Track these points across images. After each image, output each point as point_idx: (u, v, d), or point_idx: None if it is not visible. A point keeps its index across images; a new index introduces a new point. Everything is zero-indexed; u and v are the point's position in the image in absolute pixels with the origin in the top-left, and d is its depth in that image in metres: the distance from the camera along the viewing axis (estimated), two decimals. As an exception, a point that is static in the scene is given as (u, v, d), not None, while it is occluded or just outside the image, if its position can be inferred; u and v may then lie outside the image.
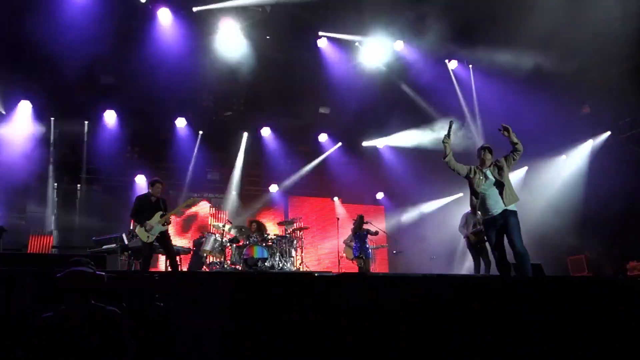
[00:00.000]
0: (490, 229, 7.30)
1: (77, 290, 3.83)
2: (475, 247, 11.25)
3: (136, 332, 4.48)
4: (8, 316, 4.59)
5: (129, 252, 11.28)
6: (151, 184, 9.96)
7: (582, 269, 13.79)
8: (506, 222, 7.14)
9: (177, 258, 12.13)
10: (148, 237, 9.49)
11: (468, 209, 11.58)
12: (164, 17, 12.93)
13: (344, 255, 13.40)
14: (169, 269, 10.17)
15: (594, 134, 14.90)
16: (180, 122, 15.40)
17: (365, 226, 12.50)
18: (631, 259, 12.96)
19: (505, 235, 7.21)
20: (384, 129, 16.95)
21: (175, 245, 12.61)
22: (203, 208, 16.08)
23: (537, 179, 15.42)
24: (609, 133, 14.74)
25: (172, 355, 4.73)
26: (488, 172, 7.39)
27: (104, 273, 3.99)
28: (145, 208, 9.68)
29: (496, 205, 7.23)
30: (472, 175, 7.45)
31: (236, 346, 4.85)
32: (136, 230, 9.72)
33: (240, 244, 12.12)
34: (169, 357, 4.73)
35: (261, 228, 12.47)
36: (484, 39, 13.67)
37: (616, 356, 5.54)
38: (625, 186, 13.30)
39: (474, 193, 7.47)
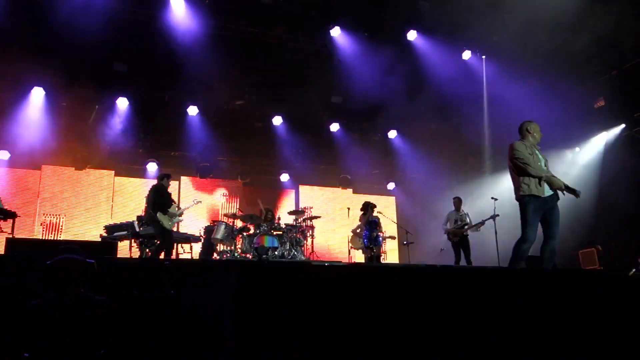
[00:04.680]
0: (537, 212, 6.74)
1: (65, 278, 3.80)
2: (456, 243, 11.81)
3: (146, 319, 4.52)
4: (18, 302, 4.62)
5: (140, 239, 11.37)
6: (166, 177, 10.60)
7: (593, 262, 13.72)
8: (554, 209, 6.82)
9: (188, 246, 12.31)
10: (169, 224, 10.08)
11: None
12: (177, 4, 12.91)
13: (351, 245, 13.44)
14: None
15: (608, 126, 14.74)
16: (192, 110, 15.38)
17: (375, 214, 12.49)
18: (645, 253, 12.88)
19: (545, 223, 6.83)
20: (397, 119, 16.89)
21: (185, 233, 12.75)
22: (214, 196, 16.12)
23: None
24: (623, 125, 14.59)
25: (182, 342, 4.75)
26: (537, 152, 7.02)
27: (94, 261, 3.97)
28: (166, 197, 10.31)
29: (548, 188, 6.81)
30: (531, 153, 6.90)
31: (245, 334, 4.87)
32: (158, 217, 9.99)
33: (251, 232, 12.15)
34: (179, 344, 4.75)
35: (272, 217, 12.49)
36: (497, 29, 13.55)
37: (624, 349, 5.52)
38: (639, 179, 13.19)
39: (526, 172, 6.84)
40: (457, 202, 12.21)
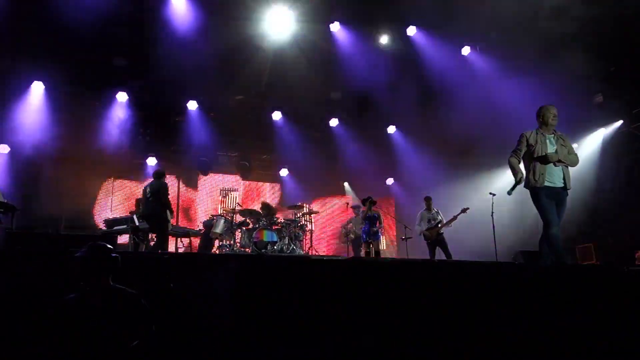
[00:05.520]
0: (550, 200, 6.73)
1: (96, 271, 3.89)
2: (432, 243, 11.84)
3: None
4: (21, 296, 4.66)
5: (138, 233, 11.37)
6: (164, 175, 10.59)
7: (590, 257, 13.76)
8: (561, 203, 6.81)
9: (187, 240, 12.34)
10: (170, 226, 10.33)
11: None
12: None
13: (340, 240, 13.54)
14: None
15: (605, 122, 14.77)
16: (192, 105, 15.41)
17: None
18: (640, 248, 12.91)
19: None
20: (396, 114, 16.90)
21: (184, 227, 12.79)
22: (214, 190, 16.16)
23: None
24: (621, 122, 14.62)
25: (182, 335, 4.80)
26: (552, 139, 6.96)
27: (117, 255, 4.06)
28: None
29: (559, 179, 6.82)
30: (533, 143, 6.88)
31: (245, 328, 4.91)
32: (168, 217, 10.22)
33: (250, 227, 12.18)
34: (179, 337, 4.80)
35: (272, 211, 12.52)
36: (495, 25, 13.58)
37: (620, 344, 5.57)
38: (636, 175, 13.23)
39: (530, 159, 6.90)
40: (428, 201, 12.28)
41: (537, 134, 6.99)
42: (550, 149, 6.90)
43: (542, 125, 7.07)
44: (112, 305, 3.86)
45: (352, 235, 12.99)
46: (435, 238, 11.81)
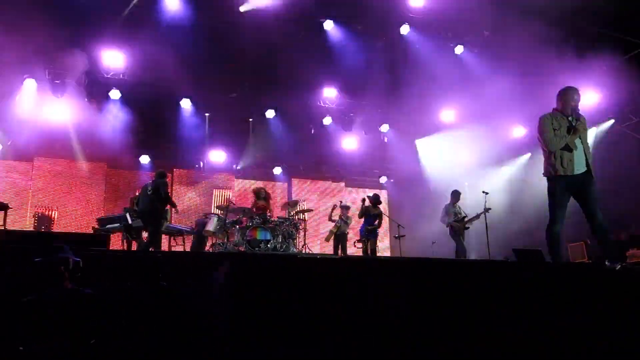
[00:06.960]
0: (565, 192, 6.29)
1: (55, 275, 3.95)
2: (459, 234, 11.79)
3: (139, 311, 4.55)
4: (13, 294, 4.64)
5: (131, 232, 11.36)
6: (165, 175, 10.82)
7: (582, 255, 13.82)
8: (590, 185, 6.28)
9: (181, 238, 12.33)
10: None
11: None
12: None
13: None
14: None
15: (598, 121, 14.81)
16: (185, 103, 15.34)
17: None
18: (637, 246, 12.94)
19: (582, 203, 6.37)
20: (389, 112, 16.92)
21: (178, 226, 12.78)
22: (206, 188, 16.13)
23: (540, 166, 15.35)
24: (613, 121, 14.68)
25: (175, 334, 4.78)
26: (570, 120, 6.31)
27: (79, 259, 4.10)
28: None
29: (580, 164, 6.27)
30: (557, 127, 6.27)
31: (238, 327, 4.90)
32: (165, 214, 10.49)
33: (243, 225, 12.16)
34: (171, 337, 4.79)
35: (267, 209, 12.50)
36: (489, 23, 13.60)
37: (612, 343, 5.59)
38: (630, 174, 13.28)
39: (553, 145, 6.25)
40: (457, 195, 12.20)
41: (557, 117, 6.41)
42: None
43: (561, 109, 6.50)
44: (68, 306, 3.89)
45: (333, 229, 13.00)
46: (462, 231, 11.82)
